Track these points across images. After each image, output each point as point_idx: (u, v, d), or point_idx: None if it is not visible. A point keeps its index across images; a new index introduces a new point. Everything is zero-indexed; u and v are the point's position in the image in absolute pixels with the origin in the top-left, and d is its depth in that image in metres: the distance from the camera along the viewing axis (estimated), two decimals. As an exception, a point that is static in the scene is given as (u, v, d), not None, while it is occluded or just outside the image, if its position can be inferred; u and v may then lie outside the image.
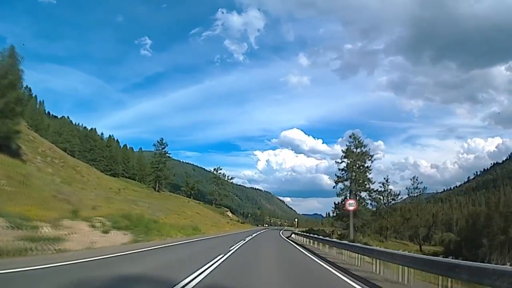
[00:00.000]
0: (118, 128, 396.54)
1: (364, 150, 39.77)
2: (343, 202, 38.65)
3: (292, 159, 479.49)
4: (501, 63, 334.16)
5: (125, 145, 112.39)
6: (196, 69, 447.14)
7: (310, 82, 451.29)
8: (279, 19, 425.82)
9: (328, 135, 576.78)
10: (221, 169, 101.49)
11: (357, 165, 39.51)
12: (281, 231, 56.48)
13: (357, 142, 40.06)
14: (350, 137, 40.83)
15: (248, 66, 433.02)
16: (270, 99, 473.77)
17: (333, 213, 45.45)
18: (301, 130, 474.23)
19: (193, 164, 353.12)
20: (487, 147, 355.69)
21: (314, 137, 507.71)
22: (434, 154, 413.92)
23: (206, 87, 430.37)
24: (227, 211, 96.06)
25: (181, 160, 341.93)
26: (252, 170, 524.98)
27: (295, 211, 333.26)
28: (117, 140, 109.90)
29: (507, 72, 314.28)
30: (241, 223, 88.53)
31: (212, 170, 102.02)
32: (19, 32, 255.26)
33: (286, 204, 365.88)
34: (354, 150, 40.01)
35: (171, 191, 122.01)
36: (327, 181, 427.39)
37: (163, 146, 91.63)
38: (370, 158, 39.76)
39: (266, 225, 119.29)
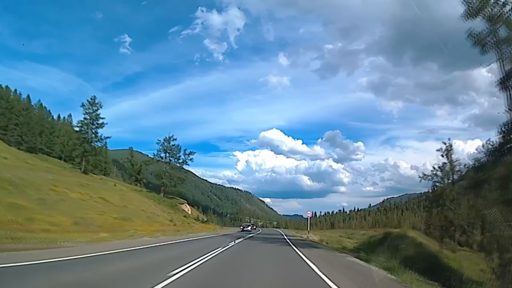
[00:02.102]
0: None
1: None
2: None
3: (271, 159, 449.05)
4: (483, 65, 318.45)
5: (50, 112, 78.06)
6: (175, 69, 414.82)
7: (290, 82, 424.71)
8: (259, 18, 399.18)
9: (308, 136, 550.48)
10: (174, 139, 64.13)
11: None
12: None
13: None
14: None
15: (228, 66, 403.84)
16: (250, 99, 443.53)
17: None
18: (281, 130, 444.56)
19: (169, 163, 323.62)
20: (467, 149, 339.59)
21: (293, 138, 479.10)
22: (413, 156, 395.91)
23: (186, 87, 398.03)
24: (184, 204, 61.20)
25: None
26: (232, 170, 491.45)
27: (275, 211, 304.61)
28: (40, 105, 75.69)
29: (488, 74, 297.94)
30: (203, 222, 53.52)
31: (162, 141, 63.67)
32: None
33: (267, 205, 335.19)
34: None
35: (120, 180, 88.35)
36: (307, 181, 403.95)
37: (95, 108, 58.43)
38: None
39: (254, 227, 60.80)
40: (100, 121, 59.09)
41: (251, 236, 29.96)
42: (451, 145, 38.79)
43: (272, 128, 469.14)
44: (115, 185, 46.30)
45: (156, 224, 26.52)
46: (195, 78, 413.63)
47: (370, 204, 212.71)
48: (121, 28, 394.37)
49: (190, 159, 64.32)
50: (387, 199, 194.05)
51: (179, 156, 63.87)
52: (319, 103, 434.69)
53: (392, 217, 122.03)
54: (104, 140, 58.41)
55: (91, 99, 59.47)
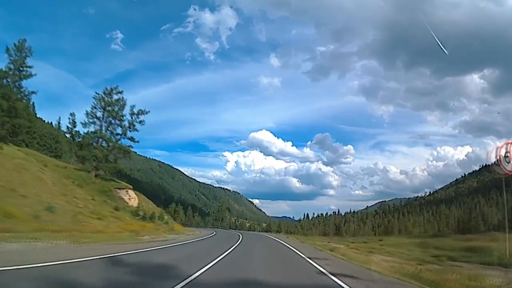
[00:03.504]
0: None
1: None
2: None
3: (261, 161, 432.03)
4: (475, 71, 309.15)
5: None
6: (166, 67, 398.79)
7: (281, 84, 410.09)
8: (251, 19, 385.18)
9: (298, 138, 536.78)
10: (119, 92, 42.13)
11: None
12: None
13: None
14: None
15: (219, 66, 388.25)
16: (240, 100, 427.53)
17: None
18: (271, 132, 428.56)
19: (159, 161, 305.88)
20: (456, 155, 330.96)
21: (283, 140, 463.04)
22: (403, 161, 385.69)
23: (177, 86, 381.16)
24: (124, 189, 38.60)
25: (147, 157, 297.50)
26: (221, 171, 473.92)
27: (264, 212, 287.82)
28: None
29: (480, 80, 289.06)
30: (145, 218, 30.68)
31: (100, 94, 41.76)
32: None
33: (255, 206, 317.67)
34: None
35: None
36: (296, 184, 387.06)
37: (23, 54, 40.50)
38: None
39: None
40: (27, 71, 41.03)
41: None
42: None
43: (262, 129, 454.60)
44: (1, 147, 27.96)
45: None
46: (186, 77, 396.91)
47: (367, 206, 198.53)
48: (113, 24, 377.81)
49: (140, 122, 41.64)
50: (385, 201, 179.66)
51: (123, 117, 41.66)
52: (309, 105, 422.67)
53: (394, 221, 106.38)
54: (29, 96, 39.87)
55: (19, 42, 41.46)
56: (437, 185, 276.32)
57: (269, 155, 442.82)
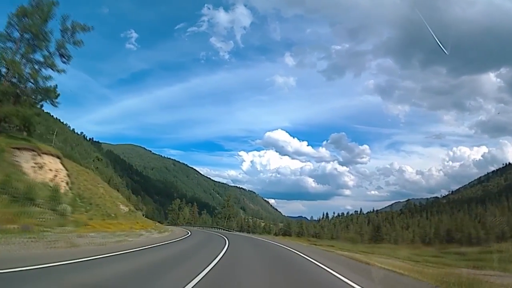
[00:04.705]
0: (103, 124, 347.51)
1: None
2: None
3: (276, 160, 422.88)
4: (492, 70, 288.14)
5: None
6: (181, 67, 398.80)
7: (296, 83, 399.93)
8: (266, 17, 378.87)
9: (313, 137, 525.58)
10: (54, 3, 24.00)
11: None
12: None
13: None
14: None
15: (234, 65, 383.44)
16: (255, 99, 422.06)
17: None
18: (286, 131, 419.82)
19: (173, 160, 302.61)
20: (472, 155, 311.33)
21: (299, 139, 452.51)
22: (418, 161, 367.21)
23: (191, 86, 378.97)
24: (32, 152, 22.11)
25: (162, 155, 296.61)
26: (237, 170, 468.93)
27: (280, 212, 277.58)
28: None
29: (497, 79, 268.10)
30: (17, 201, 14.23)
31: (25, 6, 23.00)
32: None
33: (271, 205, 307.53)
34: None
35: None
36: (312, 183, 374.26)
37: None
38: None
39: None
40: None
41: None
42: None
43: (277, 129, 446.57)
44: None
45: None
46: (201, 76, 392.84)
47: (391, 204, 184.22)
48: (128, 24, 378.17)
49: (75, 43, 25.46)
50: (409, 199, 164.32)
51: (48, 34, 24.86)
52: (325, 105, 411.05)
53: (423, 221, 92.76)
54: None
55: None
56: (454, 185, 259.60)
57: (284, 155, 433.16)
